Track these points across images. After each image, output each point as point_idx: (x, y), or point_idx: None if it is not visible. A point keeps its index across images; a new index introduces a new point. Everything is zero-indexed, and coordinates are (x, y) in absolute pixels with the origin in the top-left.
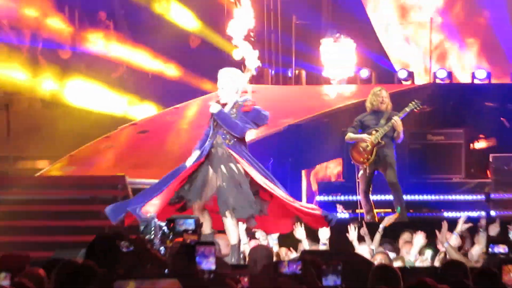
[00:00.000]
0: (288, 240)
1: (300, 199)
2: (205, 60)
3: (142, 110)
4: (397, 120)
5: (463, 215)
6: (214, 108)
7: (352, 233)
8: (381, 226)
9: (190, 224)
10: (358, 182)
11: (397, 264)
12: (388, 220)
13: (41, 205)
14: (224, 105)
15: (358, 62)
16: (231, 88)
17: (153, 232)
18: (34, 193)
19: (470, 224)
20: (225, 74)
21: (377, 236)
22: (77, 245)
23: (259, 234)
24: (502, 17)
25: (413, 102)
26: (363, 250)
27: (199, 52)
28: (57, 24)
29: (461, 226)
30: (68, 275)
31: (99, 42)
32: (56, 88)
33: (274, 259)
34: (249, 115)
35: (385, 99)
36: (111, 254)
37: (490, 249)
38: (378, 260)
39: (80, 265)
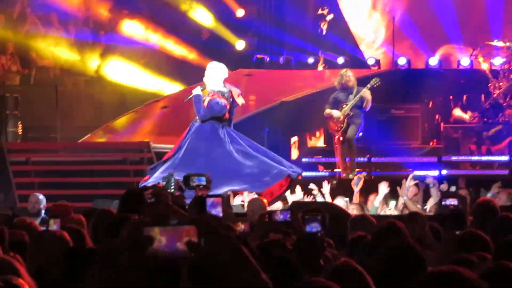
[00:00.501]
0: None
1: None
2: (215, 49)
3: (168, 88)
4: (365, 91)
5: (416, 173)
6: (195, 91)
7: (325, 188)
8: (356, 190)
9: (202, 180)
10: (336, 146)
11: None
12: (359, 184)
13: (82, 165)
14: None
15: (335, 51)
16: (209, 79)
17: (173, 186)
18: (77, 156)
19: (416, 181)
20: (210, 67)
21: (356, 196)
22: (111, 197)
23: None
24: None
25: (375, 79)
26: (340, 202)
27: (210, 42)
28: (99, 12)
29: (408, 182)
30: (103, 221)
31: (135, 30)
32: (96, 68)
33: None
34: (208, 104)
35: (351, 77)
36: (139, 205)
37: (443, 202)
38: (351, 210)
39: (114, 213)
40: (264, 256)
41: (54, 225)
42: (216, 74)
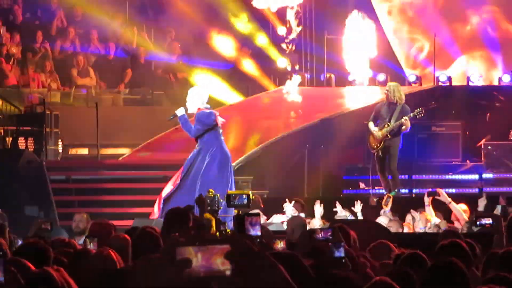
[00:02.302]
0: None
1: (330, 178)
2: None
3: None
4: (406, 121)
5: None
6: (179, 111)
7: (357, 207)
8: (386, 210)
9: (243, 199)
10: (375, 164)
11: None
12: (388, 204)
13: (123, 183)
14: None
15: (376, 68)
16: (191, 102)
17: (217, 205)
18: (117, 173)
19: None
20: (190, 92)
21: (388, 215)
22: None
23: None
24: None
25: (418, 110)
26: (382, 220)
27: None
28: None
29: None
30: (145, 240)
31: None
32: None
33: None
34: (196, 118)
35: (390, 92)
36: (183, 224)
37: (478, 221)
38: (394, 227)
39: (155, 232)
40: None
41: (91, 245)
42: (196, 98)
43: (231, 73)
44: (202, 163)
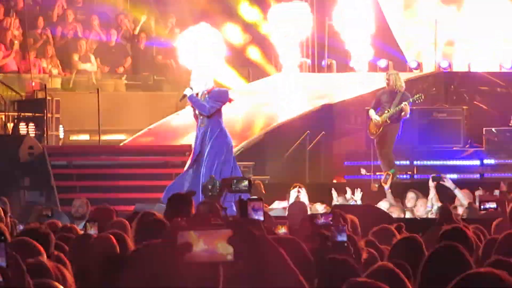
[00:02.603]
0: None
1: (331, 164)
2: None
3: None
4: (406, 106)
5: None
6: (187, 91)
7: (357, 195)
8: (386, 187)
9: (244, 183)
10: (376, 149)
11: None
12: (388, 181)
13: (124, 168)
14: (196, 94)
15: (377, 54)
16: (199, 82)
17: (218, 190)
18: (119, 159)
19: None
20: (195, 72)
21: (388, 193)
22: (153, 201)
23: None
24: None
25: (418, 95)
26: (383, 205)
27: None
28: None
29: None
30: (146, 224)
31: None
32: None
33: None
34: (211, 96)
35: (387, 80)
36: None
37: (482, 206)
38: (395, 213)
39: (156, 217)
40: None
41: (91, 229)
42: (201, 78)
43: (233, 58)
44: (207, 147)
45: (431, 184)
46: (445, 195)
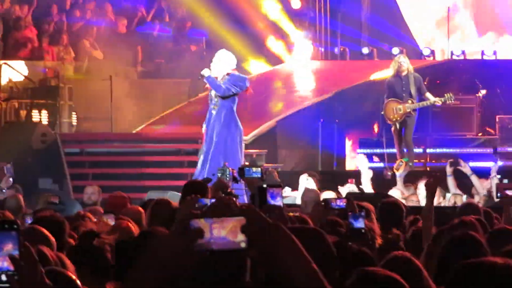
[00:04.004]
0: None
1: (344, 152)
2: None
3: None
4: (438, 101)
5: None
6: (205, 72)
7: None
8: (398, 174)
9: (257, 172)
10: (389, 137)
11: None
12: (400, 168)
13: (136, 156)
14: (216, 78)
15: (390, 41)
16: (219, 65)
17: (228, 177)
18: (131, 146)
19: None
20: (217, 55)
21: (399, 180)
22: (165, 188)
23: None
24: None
25: (448, 95)
26: (395, 193)
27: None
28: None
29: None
30: (160, 212)
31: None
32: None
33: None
34: (230, 79)
35: (404, 64)
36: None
37: (499, 193)
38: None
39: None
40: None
41: (108, 220)
42: (223, 62)
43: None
44: (216, 133)
45: (449, 169)
46: (462, 184)
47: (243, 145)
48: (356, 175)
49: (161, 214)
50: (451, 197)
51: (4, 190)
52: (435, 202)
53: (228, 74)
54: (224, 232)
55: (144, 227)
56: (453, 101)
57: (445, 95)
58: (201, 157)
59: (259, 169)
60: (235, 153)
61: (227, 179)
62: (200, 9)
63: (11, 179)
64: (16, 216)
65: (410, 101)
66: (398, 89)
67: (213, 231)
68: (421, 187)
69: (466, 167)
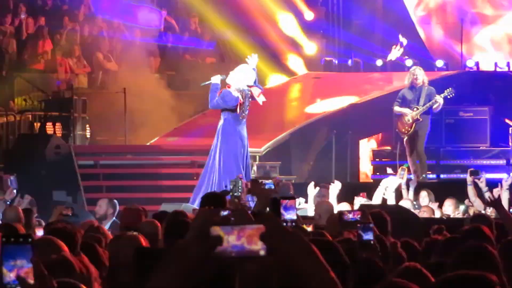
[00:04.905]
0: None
1: (357, 163)
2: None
3: None
4: (440, 98)
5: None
6: (214, 79)
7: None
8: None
9: (270, 184)
10: (405, 147)
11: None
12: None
13: (150, 168)
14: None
15: (403, 53)
16: (237, 75)
17: (240, 189)
18: (145, 159)
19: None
20: (239, 66)
21: (404, 190)
22: (179, 201)
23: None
24: None
25: (449, 89)
26: (406, 203)
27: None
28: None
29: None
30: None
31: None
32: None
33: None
34: (221, 93)
35: (419, 76)
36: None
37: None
38: (422, 213)
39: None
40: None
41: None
42: (241, 75)
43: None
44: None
45: (469, 178)
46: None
47: (244, 157)
48: (369, 188)
49: (177, 227)
50: (466, 209)
51: (8, 202)
52: (450, 213)
53: (228, 86)
54: (243, 240)
55: (161, 241)
56: (453, 95)
57: (445, 90)
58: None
59: (271, 181)
60: (237, 170)
61: (239, 191)
62: (215, 22)
63: (14, 191)
64: None
65: (415, 109)
66: (410, 100)
67: (232, 239)
68: (422, 194)
69: (483, 182)
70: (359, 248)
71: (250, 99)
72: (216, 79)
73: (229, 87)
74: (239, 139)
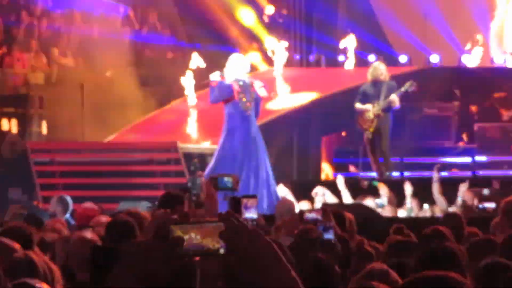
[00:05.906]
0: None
1: (320, 161)
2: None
3: None
4: (394, 98)
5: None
6: (212, 76)
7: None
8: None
9: (228, 182)
10: (366, 145)
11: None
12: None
13: (108, 165)
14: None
15: (366, 49)
16: (228, 69)
17: (199, 187)
18: (103, 156)
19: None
20: (229, 59)
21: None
22: (138, 199)
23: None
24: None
25: (409, 83)
26: (370, 203)
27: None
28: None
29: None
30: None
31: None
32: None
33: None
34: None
35: (383, 71)
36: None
37: (480, 205)
38: (385, 212)
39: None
40: (298, 257)
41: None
42: (233, 65)
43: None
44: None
45: (435, 175)
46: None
47: (253, 156)
48: (330, 185)
49: (117, 227)
50: (429, 209)
51: None
52: (414, 214)
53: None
54: (202, 238)
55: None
56: (414, 88)
57: (405, 83)
58: None
59: (230, 178)
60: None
61: (197, 189)
62: (174, 16)
63: None
64: None
65: (376, 104)
66: (371, 95)
67: (191, 237)
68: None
69: (435, 174)
70: (320, 247)
71: (254, 93)
72: (214, 76)
73: (222, 78)
74: (243, 136)
